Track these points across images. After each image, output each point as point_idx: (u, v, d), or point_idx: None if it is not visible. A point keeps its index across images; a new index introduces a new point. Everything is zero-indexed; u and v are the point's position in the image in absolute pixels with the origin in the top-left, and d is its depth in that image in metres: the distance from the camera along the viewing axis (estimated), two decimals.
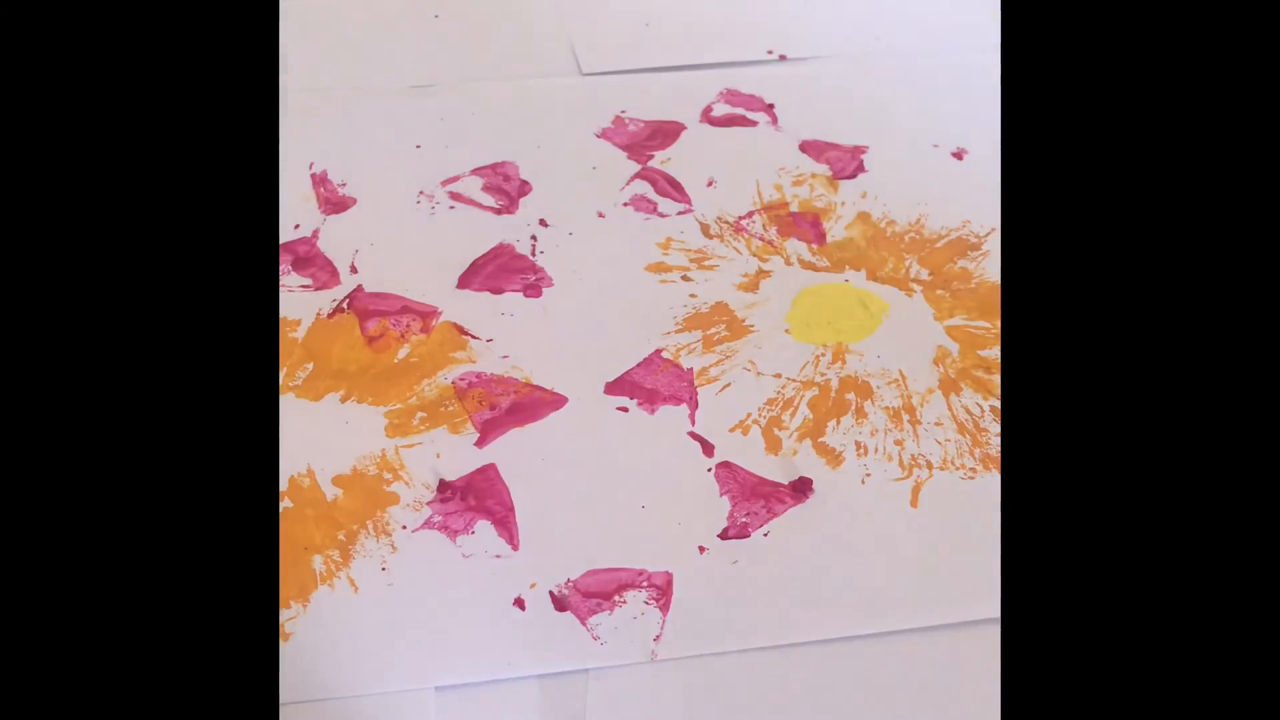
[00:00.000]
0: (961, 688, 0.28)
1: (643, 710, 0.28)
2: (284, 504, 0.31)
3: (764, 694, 0.28)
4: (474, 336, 0.35)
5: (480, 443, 0.32)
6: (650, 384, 0.34)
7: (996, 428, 0.33)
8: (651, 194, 0.41)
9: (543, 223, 0.39)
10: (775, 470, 0.32)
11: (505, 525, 0.30)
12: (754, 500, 0.31)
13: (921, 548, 0.31)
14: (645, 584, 0.30)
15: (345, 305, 0.36)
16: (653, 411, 0.33)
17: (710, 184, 0.41)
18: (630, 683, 0.28)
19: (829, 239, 0.39)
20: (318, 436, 0.32)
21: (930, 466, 0.32)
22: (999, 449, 0.33)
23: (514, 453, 0.32)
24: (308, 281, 0.37)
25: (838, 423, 0.33)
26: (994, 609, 0.30)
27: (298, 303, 0.36)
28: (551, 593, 0.29)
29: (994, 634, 0.29)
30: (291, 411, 0.33)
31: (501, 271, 0.38)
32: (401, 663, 0.28)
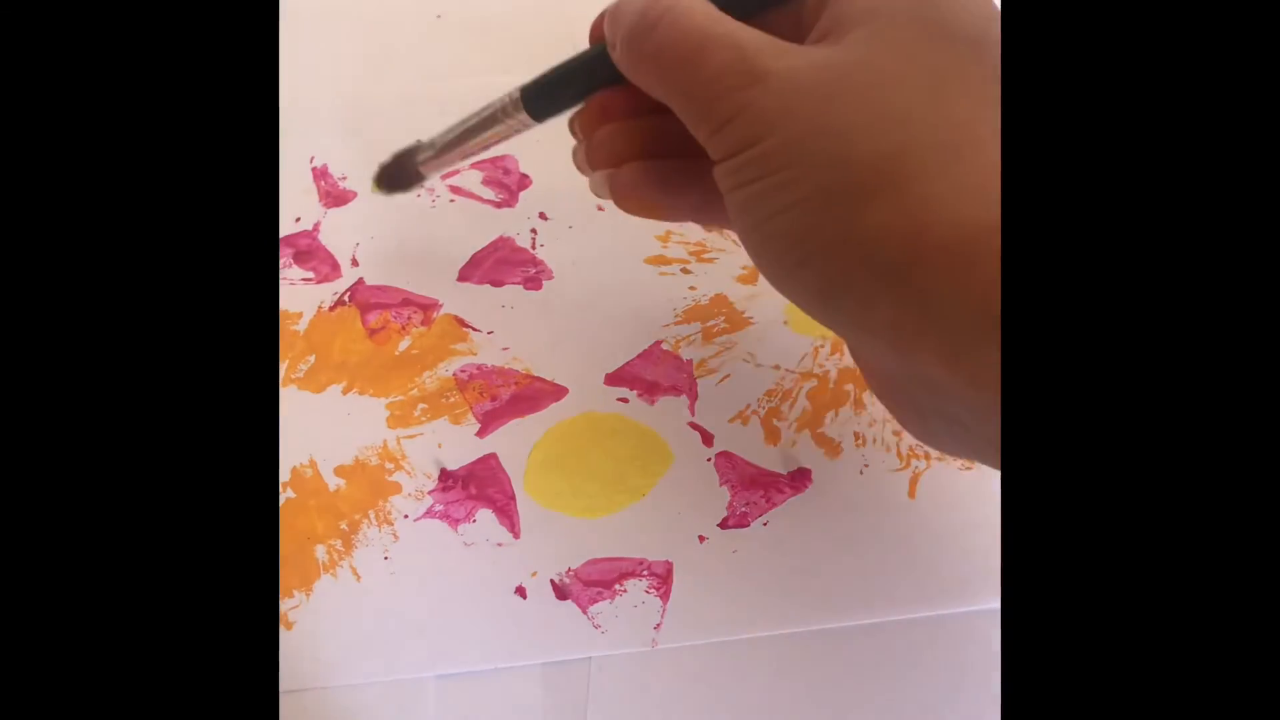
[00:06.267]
0: (961, 678, 0.29)
1: (644, 698, 0.28)
2: (287, 494, 0.31)
3: (763, 682, 0.28)
4: (475, 329, 0.35)
5: (481, 433, 0.32)
6: (650, 375, 0.34)
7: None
8: None
9: (543, 216, 0.39)
10: (774, 460, 0.32)
11: (506, 513, 0.31)
12: (754, 490, 0.31)
13: (919, 538, 0.31)
14: (646, 573, 0.30)
15: (347, 298, 0.36)
16: (653, 402, 0.33)
17: None
18: (631, 671, 0.28)
19: None
20: (320, 428, 0.33)
21: (928, 457, 0.32)
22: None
23: (515, 442, 0.32)
24: (309, 275, 0.37)
25: (836, 413, 0.33)
26: (992, 600, 0.30)
27: (299, 296, 0.36)
28: (553, 581, 0.29)
29: (992, 624, 0.29)
30: (293, 403, 0.33)
31: (502, 264, 0.38)
32: (403, 651, 0.28)
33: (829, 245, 0.21)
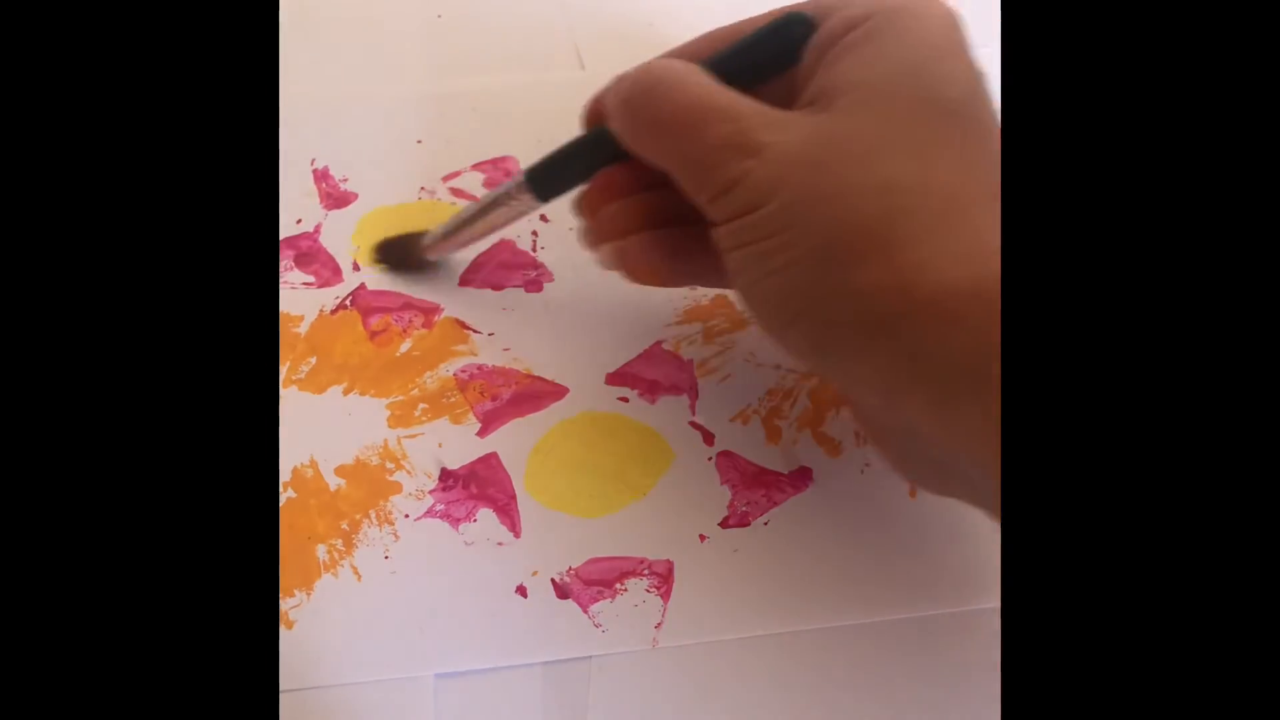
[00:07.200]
0: (961, 678, 0.29)
1: (645, 698, 0.28)
2: (288, 494, 0.31)
3: (764, 682, 0.28)
4: (476, 331, 0.35)
5: (482, 433, 0.33)
6: (651, 375, 0.34)
7: None
8: None
9: (543, 218, 0.39)
10: (775, 459, 0.32)
11: (507, 513, 0.31)
12: (755, 489, 0.31)
13: (920, 538, 0.31)
14: (646, 572, 0.30)
15: (348, 303, 0.36)
16: (653, 401, 0.33)
17: None
18: (632, 670, 0.28)
19: None
20: (320, 428, 0.33)
21: None
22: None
23: (516, 442, 0.32)
24: (310, 279, 0.37)
25: (837, 412, 0.33)
26: (993, 599, 0.30)
27: (301, 299, 0.36)
28: (553, 580, 0.30)
29: (993, 623, 0.29)
30: (294, 404, 0.33)
31: (502, 268, 0.38)
32: (404, 650, 0.28)
33: (821, 302, 0.22)
